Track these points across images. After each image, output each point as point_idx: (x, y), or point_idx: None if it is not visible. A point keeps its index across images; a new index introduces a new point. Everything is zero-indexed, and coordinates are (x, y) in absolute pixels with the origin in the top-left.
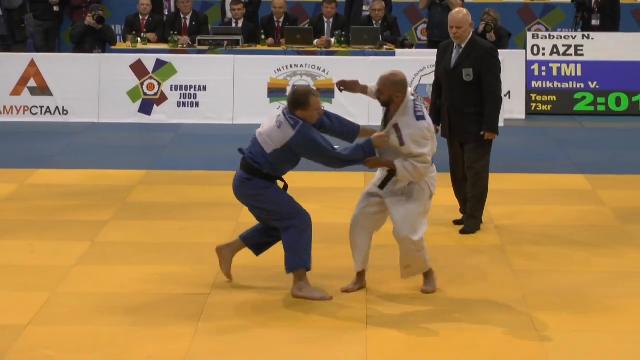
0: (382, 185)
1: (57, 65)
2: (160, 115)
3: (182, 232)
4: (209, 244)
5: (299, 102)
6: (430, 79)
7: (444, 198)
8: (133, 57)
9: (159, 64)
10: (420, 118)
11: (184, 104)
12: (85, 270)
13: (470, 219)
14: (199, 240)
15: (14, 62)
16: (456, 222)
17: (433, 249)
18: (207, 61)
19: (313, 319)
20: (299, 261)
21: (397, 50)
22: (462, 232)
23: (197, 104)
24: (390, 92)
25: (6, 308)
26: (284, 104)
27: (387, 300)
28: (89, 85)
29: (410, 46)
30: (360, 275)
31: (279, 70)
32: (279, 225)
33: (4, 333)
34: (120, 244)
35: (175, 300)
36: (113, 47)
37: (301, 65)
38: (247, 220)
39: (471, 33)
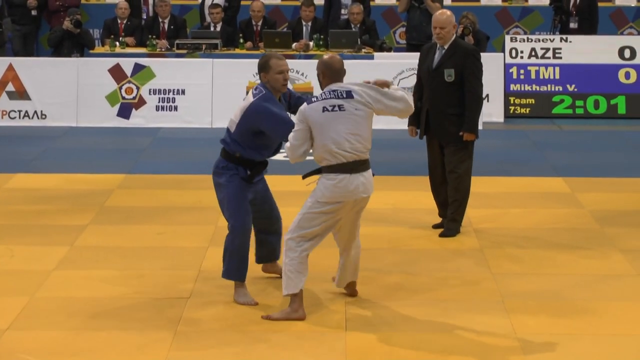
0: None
1: (35, 70)
2: (139, 119)
3: (161, 236)
4: (187, 247)
5: (260, 65)
6: (409, 82)
7: (423, 201)
8: (111, 61)
9: (138, 67)
10: (309, 101)
11: (162, 108)
12: (64, 274)
13: (451, 222)
14: (177, 244)
15: None
16: (435, 226)
17: (413, 252)
18: (185, 65)
19: (292, 323)
20: (226, 270)
21: (376, 54)
22: (442, 235)
23: (175, 108)
24: (318, 69)
25: None
26: None
27: (365, 304)
28: (67, 89)
29: (389, 49)
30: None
31: (257, 73)
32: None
33: None
34: (99, 248)
35: (155, 304)
36: (91, 51)
37: None
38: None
39: (454, 35)
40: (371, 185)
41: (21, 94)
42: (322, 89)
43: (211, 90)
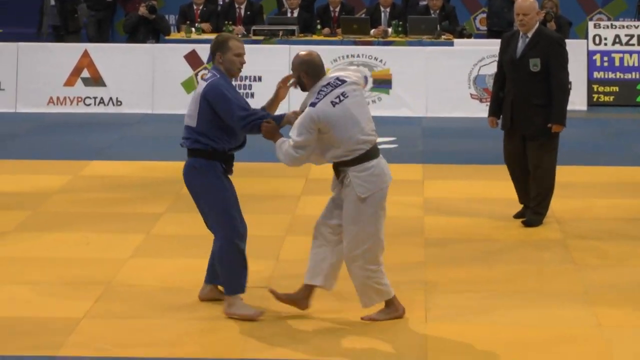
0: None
1: (110, 56)
2: None
3: None
4: (266, 236)
5: (217, 44)
6: (489, 70)
7: (501, 191)
8: (187, 47)
9: None
10: (311, 104)
11: None
12: (140, 262)
13: (535, 215)
14: (254, 233)
15: (67, 53)
16: (516, 216)
17: (492, 243)
18: (262, 51)
19: (370, 312)
20: (231, 284)
21: (455, 40)
22: (524, 223)
23: (252, 95)
24: (298, 71)
25: (61, 301)
26: None
27: (446, 294)
28: (143, 76)
29: (469, 36)
30: (306, 288)
31: (335, 60)
32: (214, 233)
33: (59, 326)
34: (175, 236)
35: None
36: (167, 38)
37: (358, 56)
38: (305, 212)
39: (537, 22)
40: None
41: (96, 80)
42: (308, 89)
43: None
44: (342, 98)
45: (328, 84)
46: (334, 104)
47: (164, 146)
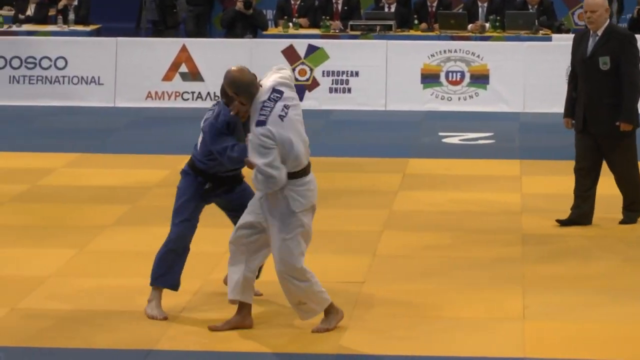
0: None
1: (208, 51)
2: (312, 101)
3: (334, 220)
4: (362, 231)
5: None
6: None
7: (602, 188)
8: (284, 43)
9: (311, 49)
10: (259, 124)
11: (335, 90)
12: None
13: (628, 212)
14: (352, 228)
15: (166, 48)
16: (563, 223)
17: (588, 239)
18: (359, 46)
19: (469, 311)
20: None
21: (554, 36)
22: (622, 222)
23: (349, 90)
24: (229, 90)
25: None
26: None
27: (543, 292)
28: None
29: (567, 31)
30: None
31: (432, 55)
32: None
33: (156, 321)
34: None
35: (328, 288)
36: (264, 33)
37: (455, 51)
38: (402, 207)
39: (608, 19)
40: None
41: (194, 75)
42: (249, 102)
43: (385, 72)
44: (286, 111)
45: (269, 99)
46: (282, 118)
47: None
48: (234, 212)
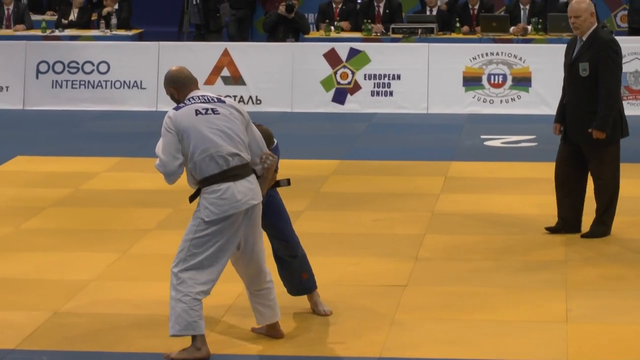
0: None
1: (250, 55)
2: (354, 104)
3: (377, 223)
4: (403, 235)
5: None
6: (630, 67)
7: None
8: (326, 46)
9: (353, 52)
10: (175, 108)
11: (377, 93)
12: None
13: (598, 225)
14: (393, 232)
15: (208, 52)
16: (551, 230)
17: (632, 242)
18: (401, 50)
19: (511, 312)
20: None
21: None
22: (585, 235)
23: (390, 93)
24: (168, 88)
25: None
26: None
27: (587, 294)
28: (282, 74)
29: (610, 33)
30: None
31: (474, 58)
32: None
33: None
34: (315, 234)
35: (371, 292)
36: (306, 36)
37: (497, 54)
38: (444, 210)
39: (594, 24)
40: (259, 191)
41: (236, 79)
42: (180, 99)
43: (427, 75)
44: (209, 112)
45: (204, 96)
46: (197, 112)
47: (303, 144)
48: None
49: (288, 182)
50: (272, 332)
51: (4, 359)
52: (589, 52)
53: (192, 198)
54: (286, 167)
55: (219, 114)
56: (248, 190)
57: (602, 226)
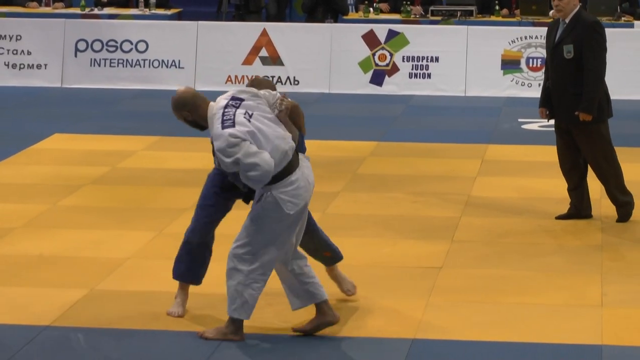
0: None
1: (288, 35)
2: (392, 86)
3: (413, 205)
4: (440, 217)
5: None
6: None
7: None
8: (365, 28)
9: (391, 34)
10: (225, 126)
11: (415, 75)
12: None
13: (619, 207)
14: (429, 214)
15: (246, 32)
16: (559, 217)
17: None
18: (439, 32)
19: (547, 295)
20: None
21: (636, 22)
22: (618, 221)
23: (429, 75)
24: (180, 114)
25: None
26: None
27: (620, 279)
28: (321, 55)
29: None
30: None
31: (513, 42)
32: None
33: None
34: (351, 215)
35: (407, 273)
36: (345, 17)
37: (536, 37)
38: (481, 193)
39: (577, 6)
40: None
41: (274, 59)
42: (201, 122)
43: (465, 58)
44: (249, 117)
45: (227, 104)
46: (246, 117)
47: (341, 126)
48: None
49: None
50: (327, 316)
51: (40, 335)
52: (572, 34)
53: (248, 199)
54: (323, 148)
55: (252, 114)
56: (309, 170)
57: (624, 207)
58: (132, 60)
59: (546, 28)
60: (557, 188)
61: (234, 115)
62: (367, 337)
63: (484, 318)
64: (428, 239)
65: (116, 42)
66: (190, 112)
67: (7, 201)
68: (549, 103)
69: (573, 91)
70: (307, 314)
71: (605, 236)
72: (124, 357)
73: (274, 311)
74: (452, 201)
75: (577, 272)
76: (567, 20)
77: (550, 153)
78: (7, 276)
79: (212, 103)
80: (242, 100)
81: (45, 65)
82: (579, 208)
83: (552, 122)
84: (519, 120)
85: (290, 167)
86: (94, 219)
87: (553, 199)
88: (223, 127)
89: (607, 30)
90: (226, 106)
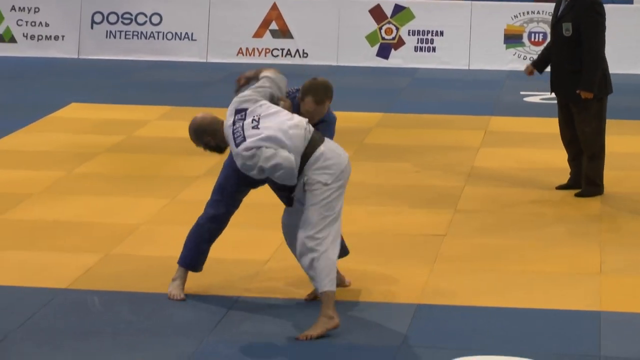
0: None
1: (298, 9)
2: (398, 59)
3: (418, 174)
4: (444, 186)
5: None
6: None
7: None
8: (372, 2)
9: (397, 9)
10: (239, 144)
11: (420, 49)
12: None
13: (589, 185)
14: (434, 183)
15: (257, 6)
16: (559, 187)
17: None
18: (444, 7)
19: (547, 263)
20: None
21: None
22: (577, 195)
23: (433, 49)
24: (203, 140)
25: (249, 244)
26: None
27: (621, 247)
28: (329, 29)
29: None
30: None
31: (515, 17)
32: None
33: (248, 269)
34: (357, 184)
35: (411, 241)
36: None
37: (537, 12)
38: (484, 164)
39: None
40: None
41: (284, 32)
42: (222, 144)
43: (469, 33)
44: (256, 123)
45: (234, 122)
46: (255, 127)
47: (348, 97)
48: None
49: None
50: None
51: (56, 298)
52: (572, 12)
53: (290, 201)
54: None
55: (259, 119)
56: (335, 145)
57: (593, 187)
58: (146, 32)
59: (547, 4)
60: (558, 159)
61: (242, 129)
62: (373, 301)
63: (487, 285)
64: (432, 207)
65: (131, 14)
66: (212, 138)
67: (24, 168)
68: (539, 65)
69: (570, 68)
70: (302, 274)
71: (604, 207)
72: (138, 318)
73: (279, 275)
74: (455, 171)
75: (576, 241)
76: None
77: (551, 125)
78: (25, 241)
79: (224, 122)
80: (245, 110)
81: (63, 36)
82: (578, 178)
83: (553, 94)
84: (521, 93)
85: (313, 145)
86: (108, 186)
87: (554, 169)
88: (237, 145)
89: (607, 7)
90: (234, 123)
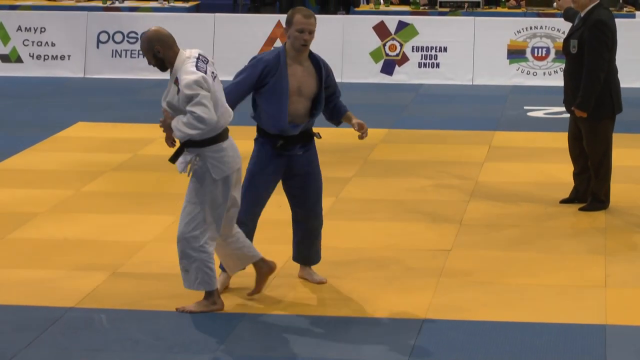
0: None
1: None
2: (402, 75)
3: (423, 189)
4: (448, 201)
5: (287, 17)
6: None
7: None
8: (376, 19)
9: (401, 25)
10: (199, 69)
11: (424, 65)
12: (331, 225)
13: (594, 202)
14: (439, 198)
15: (262, 23)
16: (562, 201)
17: None
18: (448, 23)
19: (552, 276)
20: None
21: (638, 13)
22: (581, 209)
23: (437, 65)
24: (151, 48)
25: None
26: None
27: (626, 260)
28: (333, 45)
29: (608, 12)
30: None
31: (518, 32)
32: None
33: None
34: (363, 200)
35: (417, 256)
36: (356, 9)
37: (541, 27)
38: (488, 179)
39: (595, 2)
40: None
41: None
42: (170, 61)
43: (472, 48)
44: (216, 76)
45: (199, 58)
46: (213, 76)
47: (353, 113)
48: (294, 189)
49: (318, 135)
50: (263, 268)
51: (64, 317)
52: (581, 29)
53: (174, 158)
54: (336, 135)
55: (215, 76)
56: (236, 149)
57: (598, 202)
58: None
59: (550, 19)
60: (562, 173)
61: (205, 69)
62: (379, 317)
63: (492, 298)
64: (437, 222)
65: (136, 33)
66: (162, 48)
67: (33, 187)
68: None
69: (573, 84)
70: (309, 290)
71: (609, 220)
72: (146, 337)
73: (286, 291)
74: (460, 186)
75: (581, 254)
76: (582, 14)
77: (554, 139)
78: (33, 259)
79: (182, 50)
80: (208, 60)
81: (69, 56)
82: (581, 192)
83: (557, 109)
84: (525, 107)
85: (223, 135)
86: (116, 204)
87: (558, 183)
88: (197, 70)
89: None
90: (198, 58)
